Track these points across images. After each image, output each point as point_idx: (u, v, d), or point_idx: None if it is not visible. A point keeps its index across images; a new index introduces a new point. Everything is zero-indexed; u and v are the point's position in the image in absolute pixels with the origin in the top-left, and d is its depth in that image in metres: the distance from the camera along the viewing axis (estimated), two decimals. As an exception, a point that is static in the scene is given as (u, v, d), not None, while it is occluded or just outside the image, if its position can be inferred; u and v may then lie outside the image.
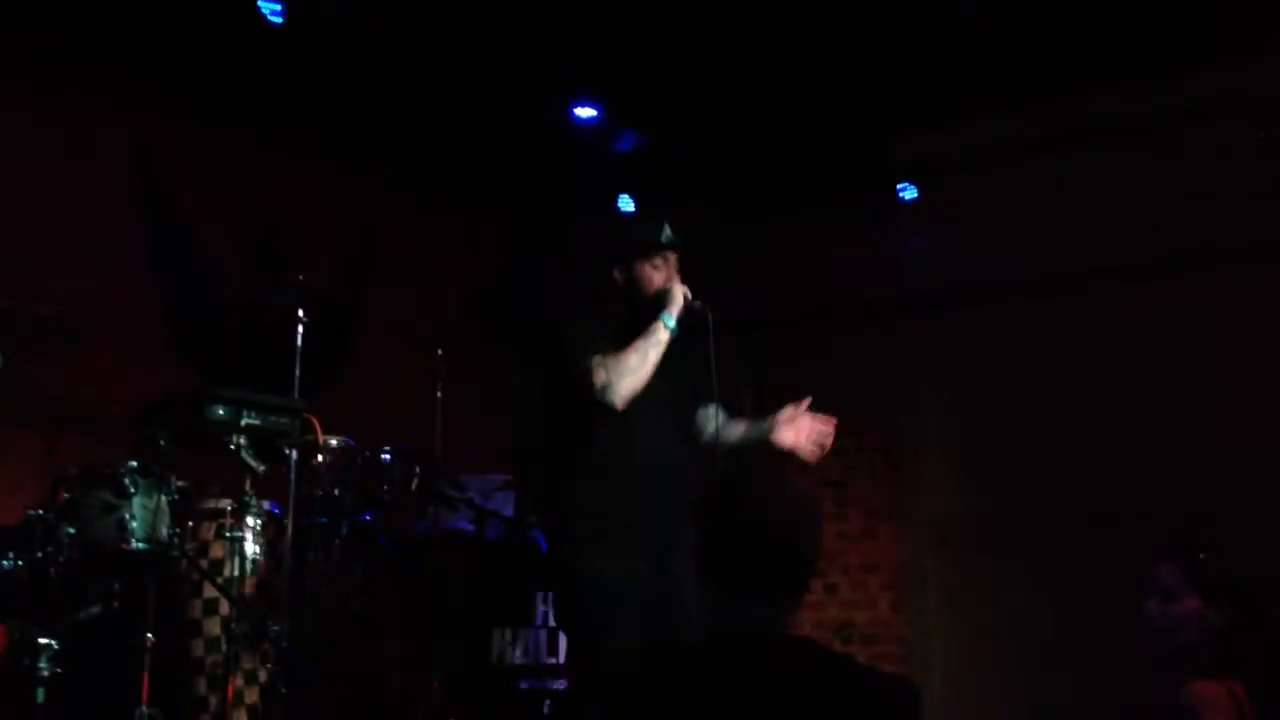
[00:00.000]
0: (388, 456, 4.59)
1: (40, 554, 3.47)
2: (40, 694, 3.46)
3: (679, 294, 3.40)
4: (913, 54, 5.14)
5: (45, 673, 3.46)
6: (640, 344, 3.34)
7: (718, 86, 5.37)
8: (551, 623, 4.90)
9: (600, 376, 3.30)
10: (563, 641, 4.89)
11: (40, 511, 3.50)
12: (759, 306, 6.29)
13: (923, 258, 5.96)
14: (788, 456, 3.62)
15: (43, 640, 3.46)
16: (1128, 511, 5.18)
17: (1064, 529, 5.38)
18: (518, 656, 4.84)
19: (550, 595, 4.83)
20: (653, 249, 3.50)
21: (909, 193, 5.83)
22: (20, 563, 3.45)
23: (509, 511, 5.19)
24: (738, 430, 3.65)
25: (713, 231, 6.46)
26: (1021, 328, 5.66)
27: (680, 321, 3.40)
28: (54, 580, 3.49)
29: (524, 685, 4.83)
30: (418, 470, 4.66)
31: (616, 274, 3.55)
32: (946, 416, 5.86)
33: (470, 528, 4.95)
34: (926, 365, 5.97)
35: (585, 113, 5.45)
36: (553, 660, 4.89)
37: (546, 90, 5.36)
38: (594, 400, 3.31)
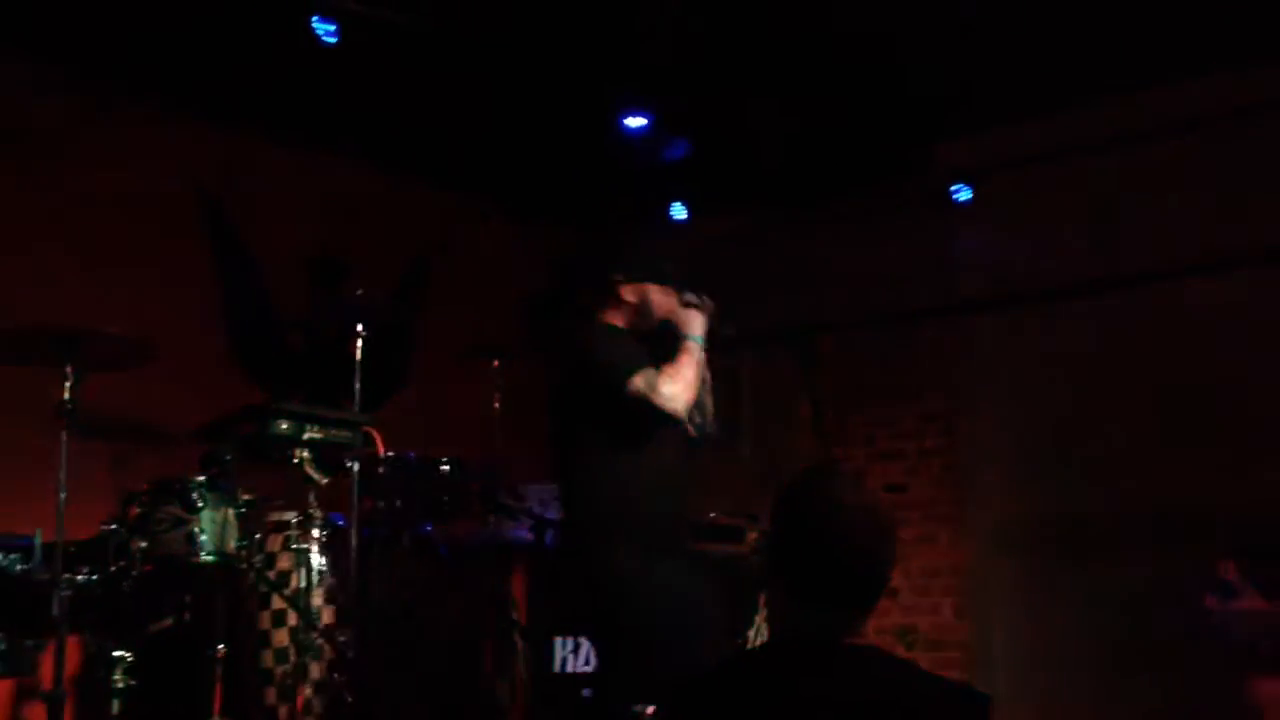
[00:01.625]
0: (447, 467, 4.64)
1: (113, 568, 3.54)
2: (115, 705, 3.54)
3: (696, 315, 3.51)
4: (963, 55, 5.11)
5: (120, 684, 3.54)
6: (686, 359, 3.44)
7: (767, 92, 5.37)
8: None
9: (667, 390, 3.36)
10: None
11: (113, 526, 3.58)
12: (813, 311, 6.28)
13: (979, 260, 5.91)
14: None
15: (117, 653, 3.54)
16: (1191, 512, 5.10)
17: (1127, 530, 5.31)
18: (579, 664, 4.86)
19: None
20: (662, 278, 3.57)
21: (963, 194, 5.77)
22: (94, 577, 3.52)
23: (568, 520, 5.20)
24: None
25: (766, 237, 6.49)
26: (1081, 328, 5.59)
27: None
28: (127, 593, 3.56)
29: (586, 693, 4.84)
30: (477, 480, 4.70)
31: (628, 294, 3.59)
32: (1006, 419, 5.80)
33: (530, 536, 4.98)
34: (985, 368, 5.92)
35: (635, 121, 5.46)
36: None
37: (597, 100, 5.39)
38: (654, 415, 3.36)
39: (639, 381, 3.35)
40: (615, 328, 3.58)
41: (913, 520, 5.90)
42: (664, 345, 3.49)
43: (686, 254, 3.73)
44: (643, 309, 3.57)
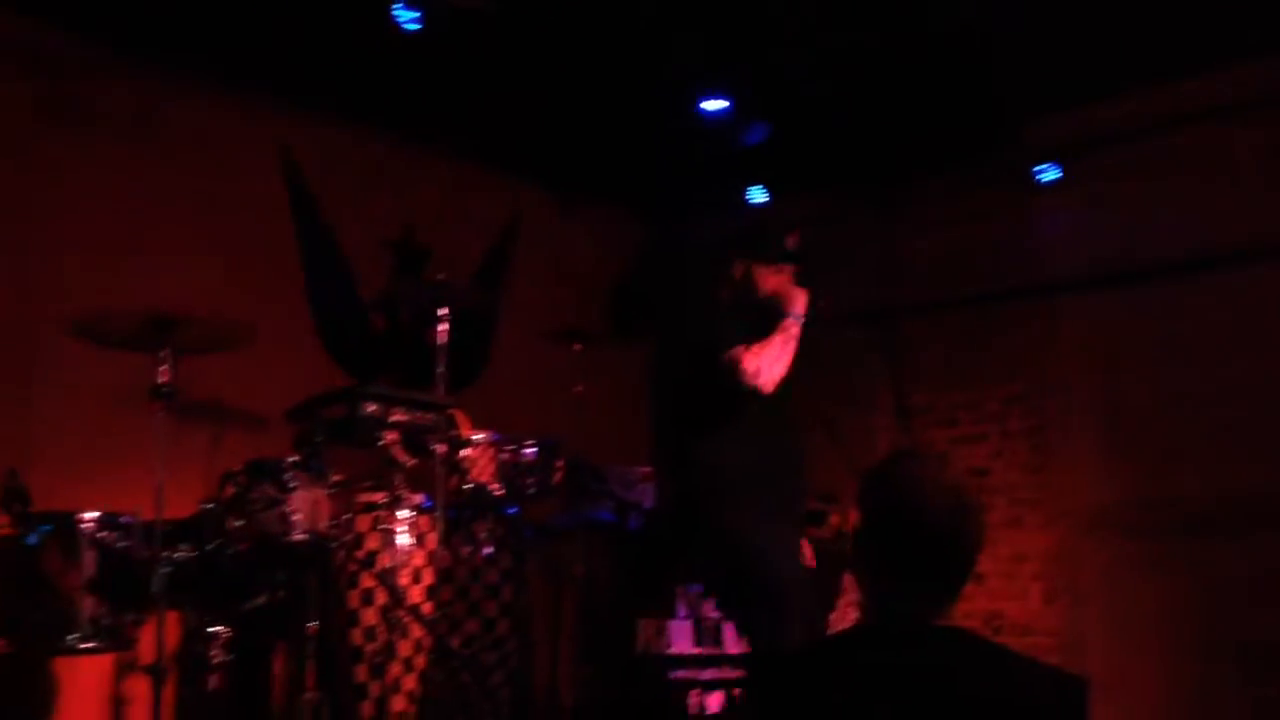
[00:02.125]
0: (531, 449, 4.67)
1: (211, 546, 3.62)
2: (212, 679, 3.62)
3: (800, 294, 3.66)
4: (1048, 32, 5.01)
5: (217, 659, 3.62)
6: (779, 336, 3.59)
7: (849, 72, 5.31)
8: (697, 613, 4.90)
9: (751, 364, 3.51)
10: (726, 630, 4.90)
11: (210, 505, 3.66)
12: (897, 293, 6.22)
13: (1066, 239, 5.82)
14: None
15: (214, 628, 3.63)
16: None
17: (1221, 515, 5.20)
18: (664, 646, 4.86)
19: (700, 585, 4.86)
20: (776, 256, 3.72)
21: (1050, 174, 5.68)
22: (193, 554, 3.61)
23: (650, 503, 5.22)
24: None
25: (847, 219, 6.43)
26: (1170, 308, 5.48)
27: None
28: (224, 570, 3.64)
29: (671, 675, 4.85)
30: (560, 463, 4.73)
31: (736, 269, 3.77)
32: (1094, 400, 5.70)
33: (613, 519, 4.99)
34: (1071, 349, 5.82)
35: (715, 105, 5.44)
36: (698, 650, 4.90)
37: (676, 84, 5.38)
38: (743, 386, 3.50)
39: (729, 360, 3.47)
40: (720, 308, 3.70)
41: (998, 504, 5.83)
42: (768, 322, 3.60)
43: (796, 230, 3.80)
44: (748, 285, 3.71)
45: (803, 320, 3.63)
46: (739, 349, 3.52)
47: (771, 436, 3.62)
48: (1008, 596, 5.77)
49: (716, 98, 5.41)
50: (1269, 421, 5.13)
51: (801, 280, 3.73)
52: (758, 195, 6.16)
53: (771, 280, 3.72)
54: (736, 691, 4.68)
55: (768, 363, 3.53)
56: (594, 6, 4.81)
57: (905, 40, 5.07)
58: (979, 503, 2.05)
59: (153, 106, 4.96)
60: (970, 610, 5.68)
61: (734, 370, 3.51)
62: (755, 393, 3.53)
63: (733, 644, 4.82)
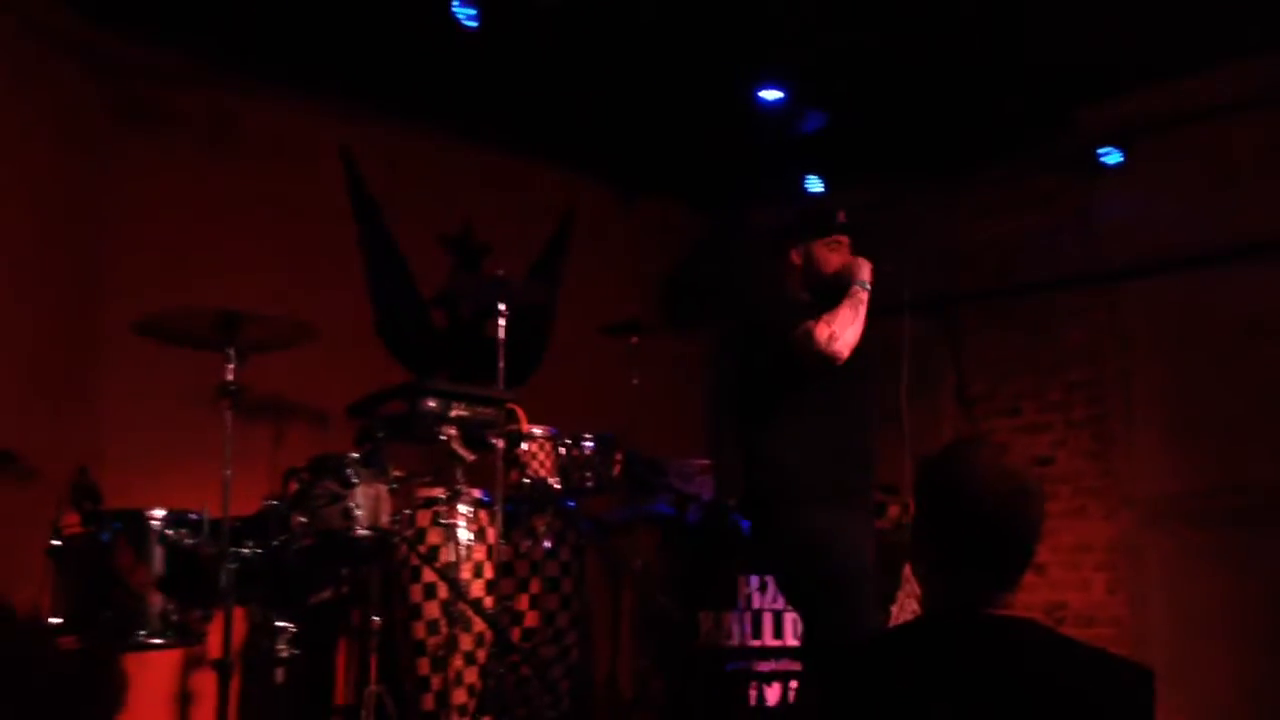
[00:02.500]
0: (589, 443, 4.69)
1: (276, 542, 3.67)
2: (279, 674, 3.68)
3: (864, 262, 3.61)
4: (1104, 15, 4.92)
5: (283, 653, 3.68)
6: (849, 302, 3.54)
7: (904, 59, 5.25)
8: (755, 605, 4.91)
9: (823, 332, 3.46)
10: (785, 622, 4.90)
11: (274, 502, 3.72)
12: (955, 281, 6.16)
13: (1126, 224, 5.72)
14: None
15: (280, 623, 3.69)
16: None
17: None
18: (723, 639, 4.87)
19: (758, 578, 4.87)
20: (828, 230, 3.72)
21: (1112, 157, 5.59)
22: (258, 550, 3.67)
23: (708, 495, 5.23)
24: None
25: (905, 207, 6.37)
26: (1233, 294, 5.37)
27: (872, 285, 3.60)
28: (289, 566, 3.69)
29: (729, 667, 4.86)
30: (619, 456, 4.75)
31: (795, 256, 3.76)
32: (1158, 388, 5.60)
33: (671, 511, 5.01)
34: (1134, 335, 5.72)
35: (771, 94, 5.41)
36: (757, 643, 4.91)
37: (731, 74, 5.35)
38: (817, 358, 3.46)
39: (801, 331, 3.46)
40: (782, 295, 3.70)
41: (1061, 494, 5.76)
42: (837, 296, 3.57)
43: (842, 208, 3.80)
44: (811, 268, 3.70)
45: (870, 287, 3.58)
46: (809, 321, 3.48)
47: (844, 423, 3.58)
48: (1071, 587, 5.70)
49: (773, 87, 5.38)
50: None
51: (861, 250, 3.70)
52: (815, 185, 6.12)
53: (833, 257, 3.70)
54: (794, 684, 4.68)
55: (841, 327, 3.47)
56: (648, -1, 4.80)
57: (961, 24, 5.00)
58: (1039, 488, 2.02)
59: (221, 111, 5.04)
60: (1032, 601, 5.61)
61: (808, 341, 3.45)
62: (830, 362, 3.47)
63: (791, 636, 4.82)
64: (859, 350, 3.54)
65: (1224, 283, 5.42)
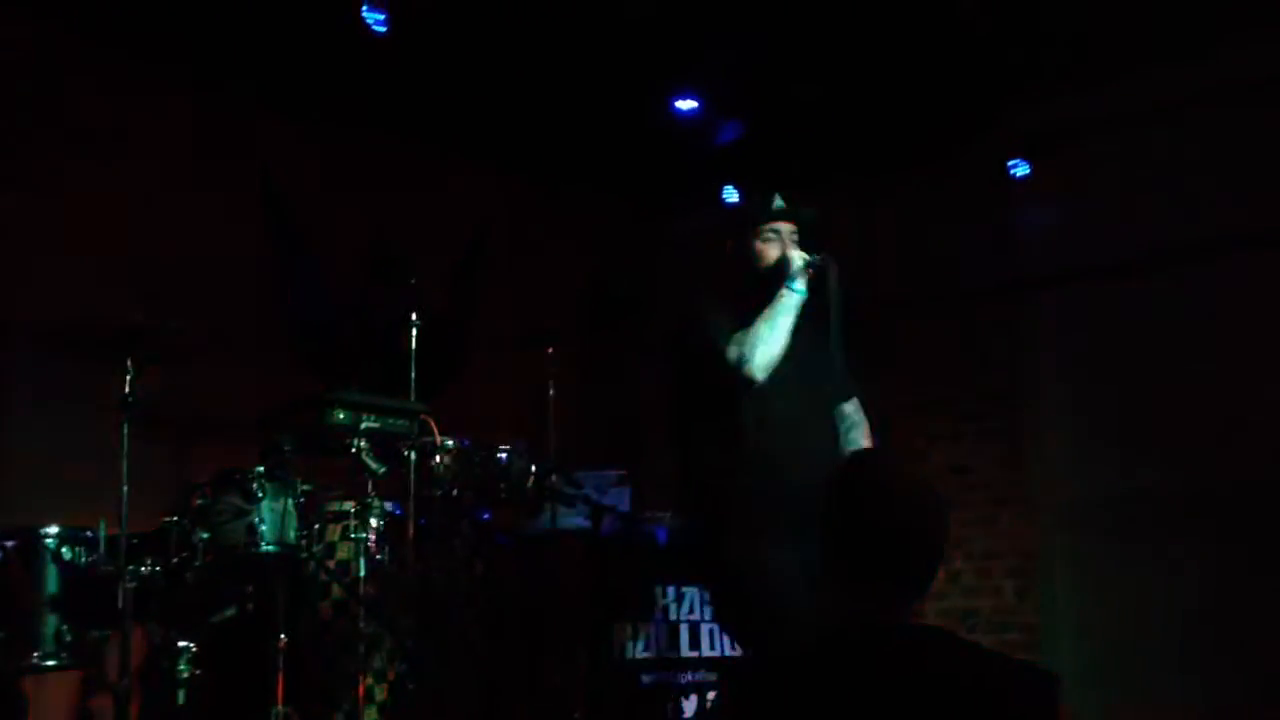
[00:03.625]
0: (504, 455, 4.63)
1: (176, 559, 3.58)
2: (180, 695, 3.58)
3: (798, 259, 3.38)
4: (1024, 23, 5.00)
5: (185, 674, 3.59)
6: (768, 313, 3.33)
7: (820, 67, 5.29)
8: (672, 617, 4.89)
9: (733, 352, 3.29)
10: (702, 633, 4.87)
11: (175, 518, 3.62)
12: (874, 290, 6.20)
13: (1040, 233, 5.81)
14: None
15: (181, 643, 3.58)
16: (1263, 489, 4.99)
17: (1196, 509, 5.21)
18: (640, 651, 4.84)
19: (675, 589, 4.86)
20: (761, 220, 3.49)
21: (1021, 169, 5.67)
22: (158, 568, 3.56)
23: (625, 506, 5.20)
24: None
25: (826, 216, 6.40)
26: (1145, 303, 5.48)
27: (809, 286, 3.37)
28: (190, 584, 3.60)
29: (646, 680, 4.83)
30: (534, 468, 4.69)
31: (732, 251, 3.55)
32: (1070, 397, 5.71)
33: (587, 523, 4.96)
34: (1047, 344, 5.82)
35: (686, 104, 5.41)
36: (674, 654, 4.89)
37: (648, 84, 5.35)
38: (733, 377, 3.29)
39: (716, 354, 3.30)
40: (709, 301, 3.50)
41: (975, 502, 5.83)
42: (769, 297, 3.36)
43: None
44: (745, 262, 3.48)
45: (801, 289, 3.33)
46: (726, 338, 3.29)
47: (778, 439, 3.32)
48: (982, 594, 5.77)
49: (688, 97, 5.38)
50: (1239, 414, 5.13)
51: (802, 242, 3.47)
52: (731, 195, 6.13)
53: (768, 249, 3.46)
54: (711, 695, 4.67)
55: (751, 347, 3.27)
56: (569, 2, 4.77)
57: (881, 33, 5.05)
58: (938, 498, 2.04)
59: (126, 112, 4.90)
60: (945, 608, 5.68)
61: (721, 364, 3.28)
62: (748, 382, 3.27)
63: (708, 648, 4.81)
64: (796, 358, 3.35)
65: (1136, 291, 5.53)
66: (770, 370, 3.29)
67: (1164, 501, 5.31)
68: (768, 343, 3.29)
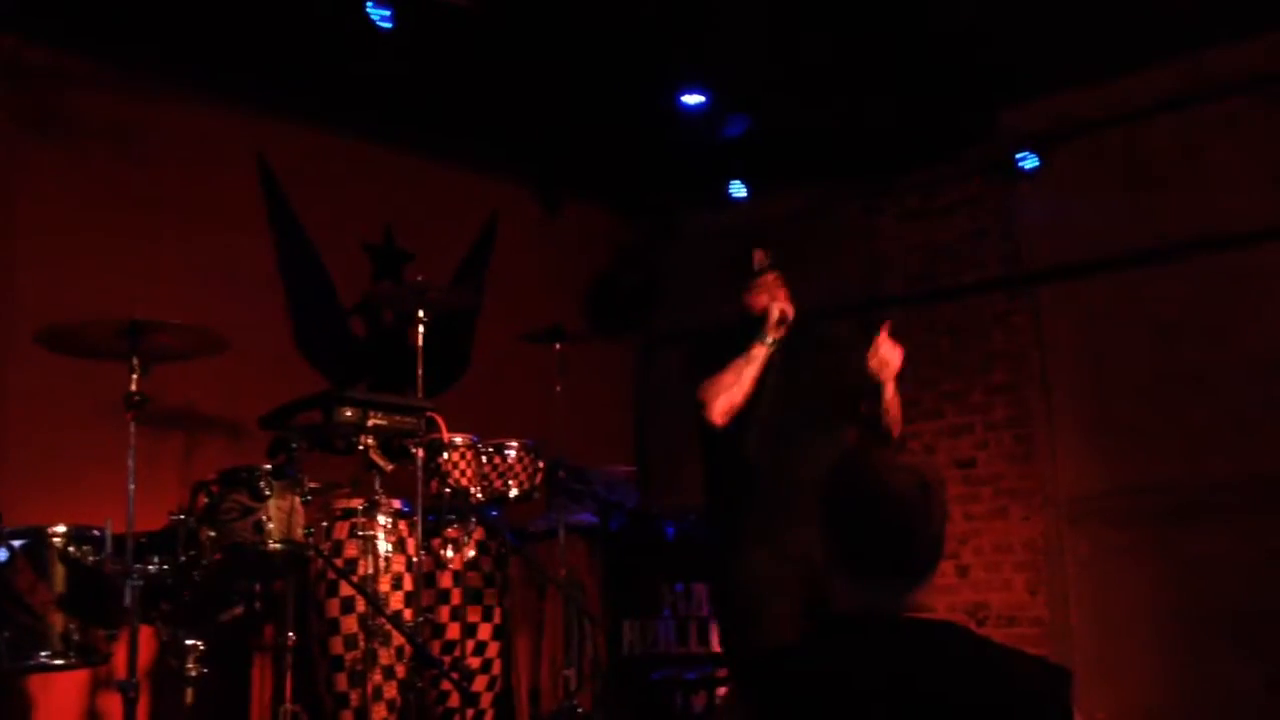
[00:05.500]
0: (512, 451, 4.63)
1: (184, 557, 3.57)
2: (188, 693, 3.57)
3: (774, 312, 3.63)
4: (1025, 18, 4.98)
5: (193, 672, 3.57)
6: (737, 362, 3.59)
7: (825, 63, 5.27)
8: (681, 612, 4.90)
9: (699, 396, 3.57)
10: (711, 630, 4.92)
11: (182, 516, 3.61)
12: (880, 284, 6.19)
13: (1045, 228, 5.78)
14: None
15: (189, 641, 3.58)
16: (1276, 482, 4.96)
17: (1205, 501, 5.18)
18: (647, 647, 4.84)
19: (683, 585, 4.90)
20: (744, 280, 3.74)
21: (1029, 162, 5.65)
22: (165, 566, 3.55)
23: (632, 503, 5.19)
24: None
25: (832, 212, 6.39)
26: (1151, 296, 5.45)
27: (786, 337, 3.64)
28: (197, 583, 3.58)
29: (655, 675, 4.83)
30: (541, 465, 4.69)
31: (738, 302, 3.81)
32: (1077, 389, 5.67)
33: (595, 520, 4.96)
34: (1055, 338, 5.79)
35: (693, 99, 5.39)
36: (683, 650, 4.88)
37: (653, 79, 5.33)
38: (703, 422, 3.58)
39: (698, 395, 3.59)
40: (704, 347, 3.76)
41: (983, 495, 5.81)
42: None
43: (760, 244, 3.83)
44: (745, 312, 3.74)
45: (770, 341, 3.60)
46: (696, 384, 3.59)
47: (770, 462, 3.57)
48: (992, 588, 5.75)
49: (695, 92, 5.36)
50: (1247, 408, 5.11)
51: (781, 279, 3.74)
52: (738, 190, 6.12)
53: (758, 299, 3.72)
54: (721, 691, 4.66)
55: (713, 395, 3.55)
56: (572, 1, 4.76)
57: (884, 28, 5.03)
58: (939, 478, 2.01)
59: (128, 115, 4.89)
60: (954, 603, 5.66)
61: (695, 399, 3.57)
62: (709, 424, 3.55)
63: (717, 643, 4.80)
64: (804, 392, 3.60)
65: (1141, 285, 5.50)
66: (731, 415, 3.56)
67: (1174, 494, 5.29)
68: (729, 390, 3.56)
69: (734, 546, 3.54)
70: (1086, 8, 4.89)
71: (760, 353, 3.60)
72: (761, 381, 3.58)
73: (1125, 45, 5.22)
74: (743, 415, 3.57)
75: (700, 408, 3.57)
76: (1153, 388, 5.41)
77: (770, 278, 3.73)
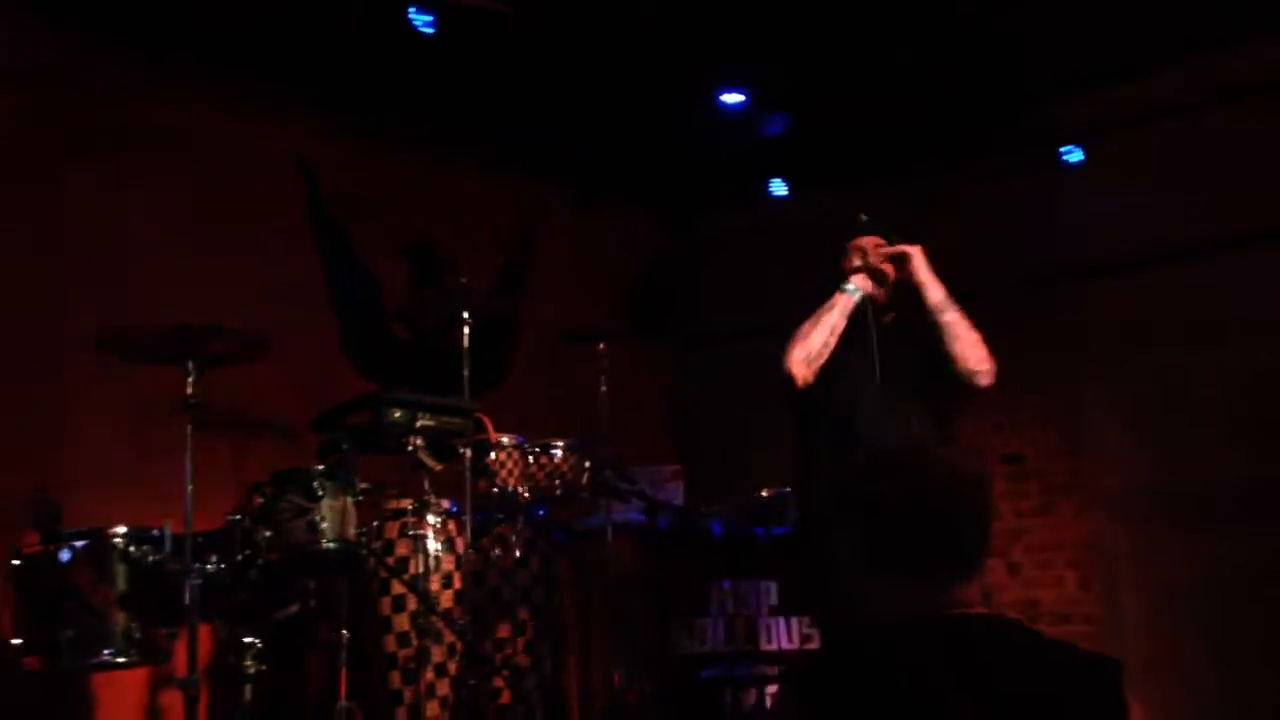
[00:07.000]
0: (558, 451, 4.66)
1: (240, 557, 3.62)
2: (247, 690, 3.63)
3: (854, 258, 3.55)
4: (1070, 13, 4.95)
5: (250, 670, 3.63)
6: (818, 312, 3.46)
7: (867, 61, 5.26)
8: (730, 610, 4.89)
9: (788, 349, 3.44)
10: (760, 628, 4.90)
11: (238, 516, 3.67)
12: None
13: (1089, 223, 5.74)
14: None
15: (247, 639, 3.64)
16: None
17: (1256, 497, 5.11)
18: (696, 645, 4.85)
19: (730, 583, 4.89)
20: (850, 235, 3.65)
21: (1075, 156, 5.61)
22: (223, 566, 3.61)
23: (679, 501, 5.20)
24: None
25: (868, 209, 6.37)
26: (1197, 292, 5.39)
27: (878, 301, 3.52)
28: (254, 581, 3.64)
29: (703, 674, 4.84)
30: (588, 464, 4.72)
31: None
32: (1128, 385, 5.63)
33: (642, 519, 4.98)
34: (1101, 334, 5.74)
35: (733, 98, 5.40)
36: (731, 648, 4.88)
37: (693, 78, 5.34)
38: (782, 377, 3.41)
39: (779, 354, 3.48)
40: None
41: (1031, 492, 5.77)
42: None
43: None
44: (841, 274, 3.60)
45: (853, 289, 3.47)
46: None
47: (846, 438, 3.41)
48: (1043, 585, 5.71)
49: (735, 90, 5.37)
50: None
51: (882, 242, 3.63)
52: (779, 189, 6.12)
53: (852, 260, 3.62)
54: (771, 689, 4.66)
55: (793, 341, 3.41)
56: (608, 3, 4.78)
57: (925, 25, 5.02)
58: (982, 471, 2.00)
59: (177, 124, 4.96)
60: (1004, 601, 5.62)
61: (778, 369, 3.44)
62: (786, 377, 3.40)
63: (765, 641, 4.81)
64: (848, 357, 3.45)
65: (1190, 280, 5.44)
66: (810, 364, 3.40)
67: (1224, 489, 5.23)
68: (806, 337, 3.42)
69: (827, 525, 3.40)
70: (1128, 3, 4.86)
71: (841, 301, 3.46)
72: (860, 360, 3.44)
73: (1165, 41, 5.17)
74: (840, 389, 3.42)
75: (779, 360, 3.41)
76: (1202, 383, 5.35)
77: (865, 240, 3.63)
